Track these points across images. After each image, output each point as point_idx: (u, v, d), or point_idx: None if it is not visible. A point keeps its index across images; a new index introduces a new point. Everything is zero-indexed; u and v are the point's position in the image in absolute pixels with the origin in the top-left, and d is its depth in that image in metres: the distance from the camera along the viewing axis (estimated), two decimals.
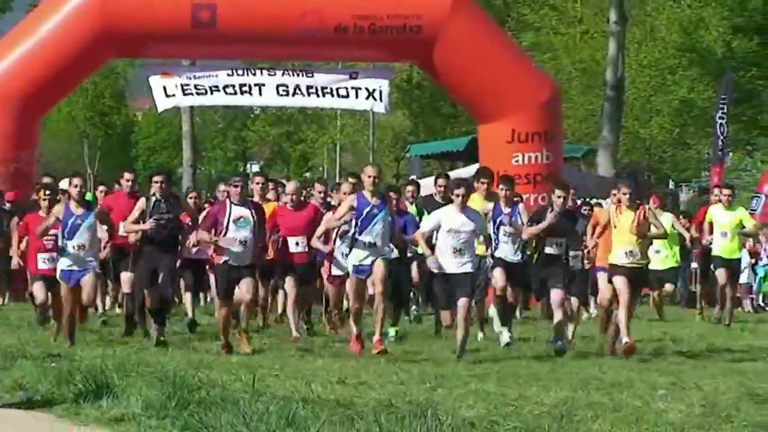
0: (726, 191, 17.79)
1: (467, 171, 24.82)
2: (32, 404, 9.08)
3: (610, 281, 12.49)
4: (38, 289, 13.62)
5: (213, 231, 12.03)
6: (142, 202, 12.91)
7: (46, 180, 17.69)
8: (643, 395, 9.13)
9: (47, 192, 14.04)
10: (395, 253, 13.04)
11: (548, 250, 12.47)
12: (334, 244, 12.69)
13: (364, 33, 22.23)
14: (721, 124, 28.53)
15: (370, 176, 11.89)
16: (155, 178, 13.06)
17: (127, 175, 14.54)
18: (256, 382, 9.43)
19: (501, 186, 12.87)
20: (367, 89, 23.28)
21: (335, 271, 12.93)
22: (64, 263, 12.53)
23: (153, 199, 12.86)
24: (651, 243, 13.45)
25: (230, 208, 11.97)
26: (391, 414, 7.37)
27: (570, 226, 12.53)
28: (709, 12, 37.68)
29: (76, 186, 12.69)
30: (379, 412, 7.48)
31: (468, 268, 11.69)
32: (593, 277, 13.66)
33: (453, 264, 11.60)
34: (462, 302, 11.51)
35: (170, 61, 25.11)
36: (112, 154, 47.76)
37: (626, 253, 12.11)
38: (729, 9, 37.29)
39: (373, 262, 11.60)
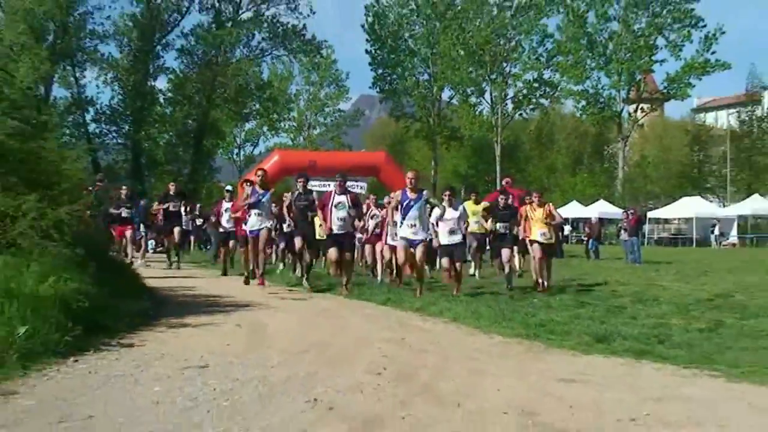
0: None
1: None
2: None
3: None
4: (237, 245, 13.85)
5: (323, 210, 11.24)
6: (288, 196, 12.45)
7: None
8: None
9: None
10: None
11: (499, 229, 11.88)
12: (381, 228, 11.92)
13: (357, 170, 26.92)
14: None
15: (409, 178, 10.51)
16: (299, 179, 12.17)
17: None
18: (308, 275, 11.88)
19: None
20: (359, 185, 26.51)
21: (390, 243, 11.87)
22: (248, 225, 12.03)
23: (296, 192, 12.11)
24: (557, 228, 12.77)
25: (334, 196, 11.14)
26: None
27: (510, 214, 12.00)
28: (450, 154, 50.95)
29: (258, 175, 12.06)
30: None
31: (458, 239, 10.78)
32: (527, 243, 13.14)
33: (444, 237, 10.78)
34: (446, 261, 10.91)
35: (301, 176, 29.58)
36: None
37: (541, 234, 11.50)
38: (463, 158, 51.69)
39: (414, 237, 10.34)
